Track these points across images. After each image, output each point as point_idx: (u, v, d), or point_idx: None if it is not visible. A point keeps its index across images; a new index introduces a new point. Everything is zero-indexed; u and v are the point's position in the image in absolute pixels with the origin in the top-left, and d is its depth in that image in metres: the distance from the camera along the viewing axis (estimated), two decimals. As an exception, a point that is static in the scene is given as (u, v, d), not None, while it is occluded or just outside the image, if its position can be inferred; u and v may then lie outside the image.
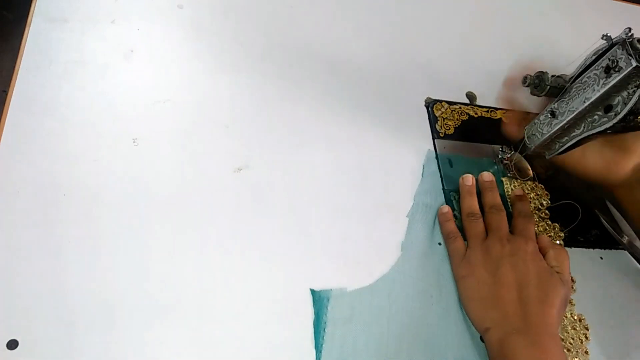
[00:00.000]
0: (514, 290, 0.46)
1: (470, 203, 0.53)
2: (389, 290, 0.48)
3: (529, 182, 0.59)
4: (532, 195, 0.58)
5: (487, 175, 0.56)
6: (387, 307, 0.47)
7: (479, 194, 0.55)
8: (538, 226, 0.56)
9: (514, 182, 0.58)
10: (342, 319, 0.45)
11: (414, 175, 0.56)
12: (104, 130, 0.49)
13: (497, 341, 0.44)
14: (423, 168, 0.57)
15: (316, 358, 0.43)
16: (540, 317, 0.44)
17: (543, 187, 0.59)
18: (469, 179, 0.55)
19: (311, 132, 0.56)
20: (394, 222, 0.52)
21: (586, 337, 0.50)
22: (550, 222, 0.57)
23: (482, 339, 0.46)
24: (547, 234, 0.56)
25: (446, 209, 0.53)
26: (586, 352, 0.50)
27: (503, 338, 0.43)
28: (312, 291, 0.46)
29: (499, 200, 0.54)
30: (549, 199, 0.58)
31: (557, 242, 0.55)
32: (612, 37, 0.46)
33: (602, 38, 0.46)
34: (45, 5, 0.55)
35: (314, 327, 0.44)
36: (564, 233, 0.56)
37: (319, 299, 0.45)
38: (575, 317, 0.51)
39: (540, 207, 0.58)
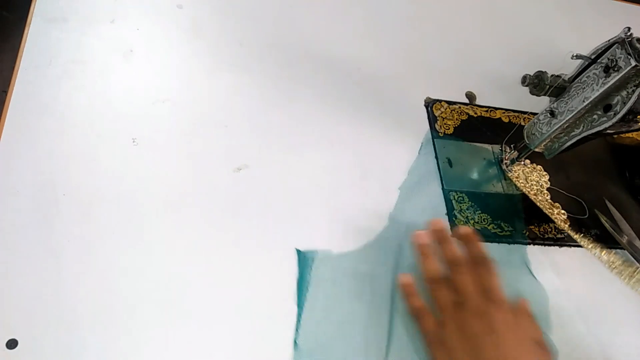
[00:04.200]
0: None
1: (429, 266, 0.46)
2: (374, 256, 0.49)
3: (530, 165, 0.60)
4: (533, 176, 0.59)
5: (436, 222, 0.48)
6: (370, 272, 0.48)
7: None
8: (539, 203, 0.56)
9: (519, 168, 0.59)
10: (326, 280, 0.46)
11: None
12: (104, 130, 0.49)
13: None
14: (421, 145, 0.58)
15: (297, 314, 0.44)
16: None
17: (542, 167, 0.60)
18: (421, 238, 0.47)
19: (310, 132, 0.56)
20: (391, 204, 0.53)
21: None
22: (552, 202, 0.57)
23: None
24: (548, 211, 0.56)
25: (405, 279, 0.46)
26: None
27: None
28: (298, 251, 0.47)
29: (455, 252, 0.47)
30: (548, 180, 0.59)
31: (561, 223, 0.56)
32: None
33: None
34: (45, 5, 0.55)
35: (297, 286, 0.46)
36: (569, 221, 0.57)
37: (304, 260, 0.47)
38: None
39: (540, 188, 0.58)
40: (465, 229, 0.47)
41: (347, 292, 0.47)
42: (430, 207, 0.54)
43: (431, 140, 0.59)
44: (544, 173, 0.59)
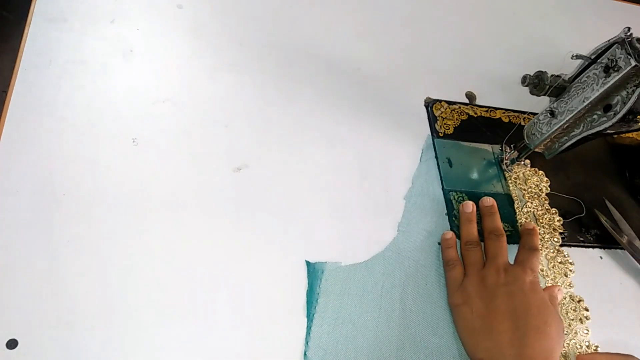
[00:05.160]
0: (509, 320, 0.44)
1: (469, 230, 0.52)
2: (384, 267, 0.49)
3: (531, 168, 0.60)
4: (533, 179, 0.59)
5: (487, 200, 0.54)
6: (380, 283, 0.48)
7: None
8: (537, 210, 0.57)
9: (520, 169, 0.60)
10: (335, 292, 0.46)
11: (412, 172, 0.56)
12: (104, 130, 0.49)
13: None
14: (422, 152, 0.58)
15: (307, 327, 0.44)
16: (538, 350, 0.42)
17: (544, 173, 0.60)
18: (468, 206, 0.53)
19: (310, 132, 0.56)
20: (391, 204, 0.53)
21: (586, 318, 0.51)
22: (549, 207, 0.57)
23: None
24: (545, 217, 0.56)
25: (449, 234, 0.52)
26: (587, 332, 0.51)
27: None
28: (307, 263, 0.47)
29: (499, 225, 0.52)
30: (549, 186, 0.59)
31: (556, 233, 0.56)
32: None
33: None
34: (44, 5, 0.55)
35: (307, 298, 0.46)
36: (563, 227, 0.57)
37: (314, 271, 0.47)
38: (576, 299, 0.52)
39: (539, 192, 0.58)
40: (530, 225, 0.54)
41: (357, 303, 0.46)
42: (433, 211, 0.54)
43: (432, 145, 0.59)
44: (545, 178, 0.59)
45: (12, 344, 0.38)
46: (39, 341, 0.39)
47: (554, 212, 0.57)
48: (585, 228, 0.58)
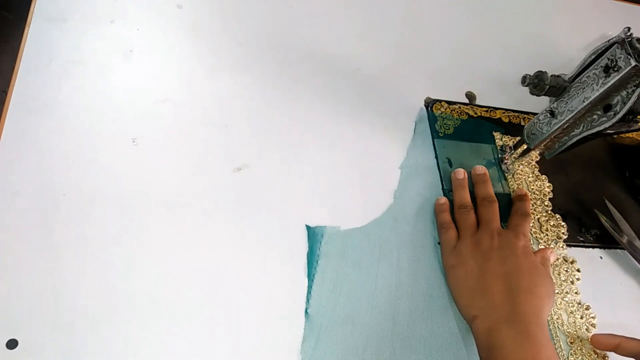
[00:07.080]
0: (502, 281, 0.46)
1: (462, 195, 0.54)
2: (380, 232, 0.51)
3: (532, 173, 0.61)
4: (535, 185, 0.60)
5: (479, 168, 0.56)
6: (377, 246, 0.50)
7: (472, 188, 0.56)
8: (528, 177, 0.59)
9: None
10: (335, 254, 0.48)
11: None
12: (104, 130, 0.49)
13: (484, 330, 0.44)
14: (415, 125, 0.60)
15: (308, 286, 0.46)
16: (529, 307, 0.44)
17: (546, 177, 0.60)
18: (460, 173, 0.56)
19: (311, 131, 0.56)
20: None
21: (577, 279, 0.53)
22: (539, 174, 0.59)
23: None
24: (535, 184, 0.58)
25: (443, 200, 0.54)
26: (576, 293, 0.52)
27: (491, 327, 0.44)
28: (307, 227, 0.49)
29: (491, 192, 0.54)
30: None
31: (546, 198, 0.58)
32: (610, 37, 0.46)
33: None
34: (45, 5, 0.55)
35: (308, 259, 0.47)
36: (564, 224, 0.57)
37: (314, 235, 0.49)
38: (569, 260, 0.54)
39: (530, 160, 0.60)
40: (522, 191, 0.56)
41: (355, 264, 0.48)
42: (427, 179, 0.56)
43: (425, 117, 0.60)
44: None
45: (12, 344, 0.38)
46: (39, 341, 0.39)
47: (544, 178, 0.59)
48: (585, 228, 0.58)
